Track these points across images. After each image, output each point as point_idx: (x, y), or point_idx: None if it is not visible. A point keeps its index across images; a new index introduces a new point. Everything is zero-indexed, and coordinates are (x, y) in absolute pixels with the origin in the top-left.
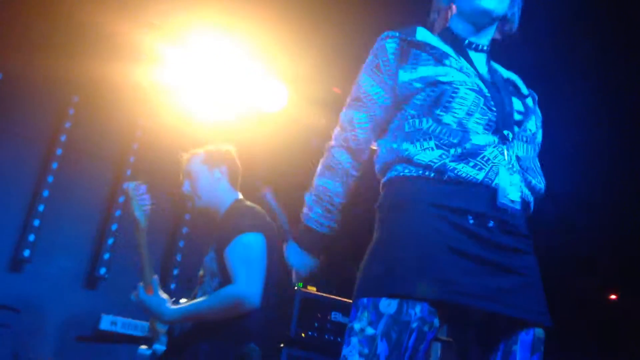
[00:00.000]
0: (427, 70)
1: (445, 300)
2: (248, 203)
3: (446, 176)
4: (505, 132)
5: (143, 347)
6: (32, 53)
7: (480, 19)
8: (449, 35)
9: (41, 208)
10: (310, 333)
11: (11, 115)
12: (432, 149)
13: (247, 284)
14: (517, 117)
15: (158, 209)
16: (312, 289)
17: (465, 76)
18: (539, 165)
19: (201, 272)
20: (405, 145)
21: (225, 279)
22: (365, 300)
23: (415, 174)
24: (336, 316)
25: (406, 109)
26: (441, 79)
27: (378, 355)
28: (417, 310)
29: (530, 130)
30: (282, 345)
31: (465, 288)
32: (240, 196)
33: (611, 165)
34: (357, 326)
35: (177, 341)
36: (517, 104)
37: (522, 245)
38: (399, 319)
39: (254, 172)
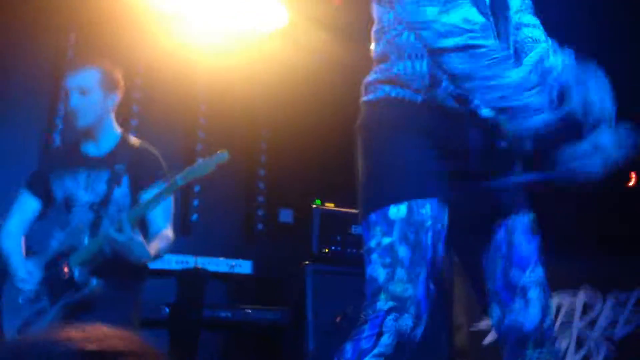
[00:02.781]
0: None
1: (448, 196)
2: (142, 142)
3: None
4: None
5: None
6: None
7: None
8: None
9: None
10: (332, 248)
11: None
12: None
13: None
14: None
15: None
16: (330, 205)
17: None
18: None
19: (95, 200)
20: None
21: None
22: (373, 215)
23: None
24: (356, 229)
25: None
26: None
27: (401, 259)
28: (427, 209)
29: None
30: (306, 262)
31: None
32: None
33: None
34: (373, 243)
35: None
36: None
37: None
38: (412, 220)
39: (257, 94)
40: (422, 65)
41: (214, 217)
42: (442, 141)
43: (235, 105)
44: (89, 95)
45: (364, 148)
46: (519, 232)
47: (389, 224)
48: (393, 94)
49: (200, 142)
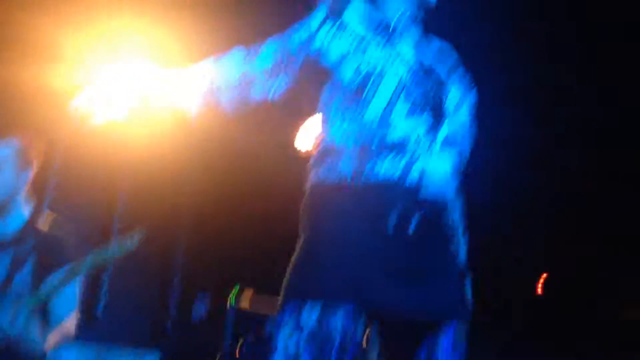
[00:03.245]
0: None
1: (362, 305)
2: (54, 219)
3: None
4: None
5: None
6: None
7: None
8: None
9: None
10: (243, 347)
11: None
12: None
13: None
14: None
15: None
16: (249, 293)
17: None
18: None
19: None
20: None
21: None
22: (290, 304)
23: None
24: (270, 328)
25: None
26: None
27: None
28: (340, 316)
29: None
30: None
31: (382, 295)
32: None
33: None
34: (280, 339)
35: None
36: None
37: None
38: (322, 327)
39: (181, 168)
40: (351, 125)
41: (123, 304)
42: (373, 226)
43: (157, 180)
44: (1, 172)
45: (301, 230)
46: (441, 346)
47: (300, 324)
48: (325, 176)
49: (118, 218)
